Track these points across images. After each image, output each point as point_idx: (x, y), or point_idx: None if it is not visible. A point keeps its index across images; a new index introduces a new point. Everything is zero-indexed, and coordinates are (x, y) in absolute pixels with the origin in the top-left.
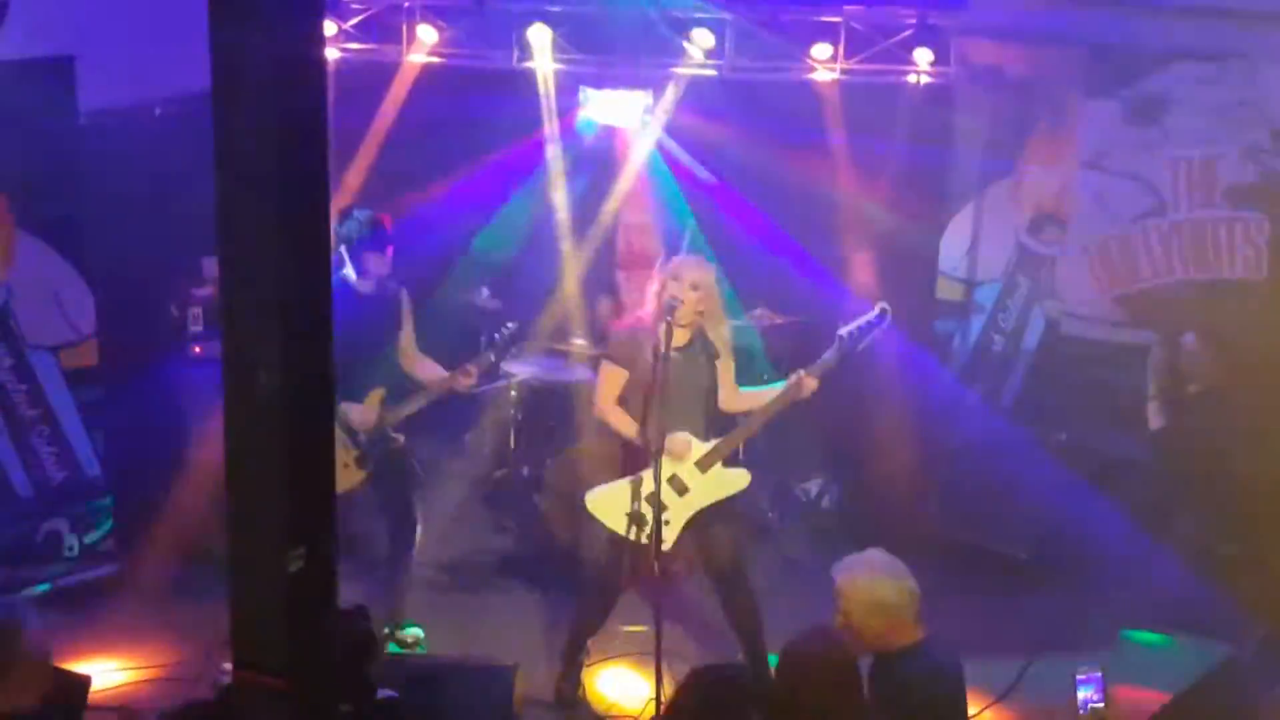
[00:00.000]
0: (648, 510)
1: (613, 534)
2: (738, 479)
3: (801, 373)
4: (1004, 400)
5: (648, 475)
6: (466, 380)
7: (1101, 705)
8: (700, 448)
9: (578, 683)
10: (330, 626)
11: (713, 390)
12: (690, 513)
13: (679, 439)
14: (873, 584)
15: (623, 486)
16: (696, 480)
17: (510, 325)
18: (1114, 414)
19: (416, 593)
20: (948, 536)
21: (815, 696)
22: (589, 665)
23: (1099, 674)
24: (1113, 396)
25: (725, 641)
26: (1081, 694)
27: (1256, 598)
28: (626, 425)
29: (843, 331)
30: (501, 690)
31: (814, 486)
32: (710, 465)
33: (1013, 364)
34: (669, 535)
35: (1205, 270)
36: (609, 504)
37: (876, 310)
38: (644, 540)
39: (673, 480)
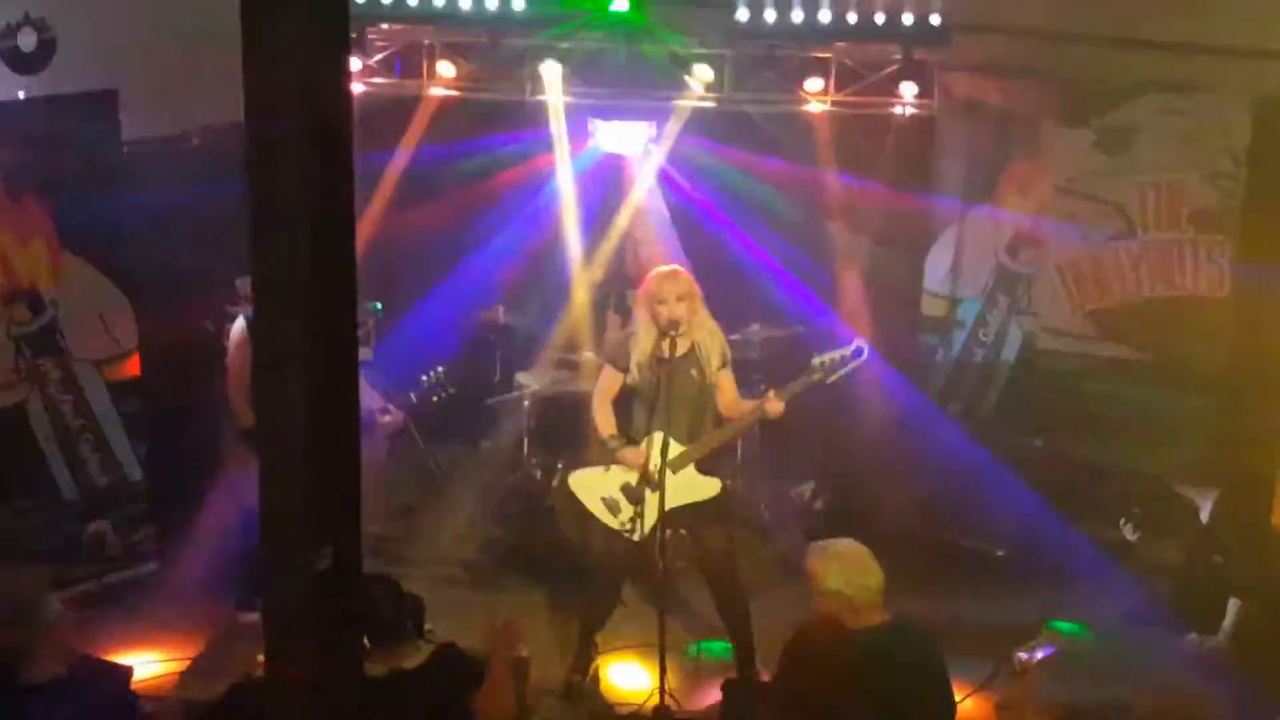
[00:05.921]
0: (620, 498)
1: (606, 528)
2: (707, 486)
3: (770, 394)
4: (984, 408)
5: (617, 467)
6: (386, 418)
7: (1018, 665)
8: (675, 449)
9: (587, 674)
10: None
11: (703, 398)
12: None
13: (647, 442)
14: (841, 565)
15: (601, 472)
16: (668, 479)
17: (439, 370)
18: (1086, 421)
19: (435, 589)
20: (930, 534)
21: (818, 685)
22: (598, 657)
23: (1050, 649)
24: (1085, 405)
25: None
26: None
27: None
28: (605, 424)
29: (816, 361)
30: (515, 681)
31: (808, 490)
32: (681, 467)
33: (992, 375)
34: (643, 527)
35: (1171, 288)
36: (589, 486)
37: (854, 345)
38: (617, 526)
39: (648, 477)
